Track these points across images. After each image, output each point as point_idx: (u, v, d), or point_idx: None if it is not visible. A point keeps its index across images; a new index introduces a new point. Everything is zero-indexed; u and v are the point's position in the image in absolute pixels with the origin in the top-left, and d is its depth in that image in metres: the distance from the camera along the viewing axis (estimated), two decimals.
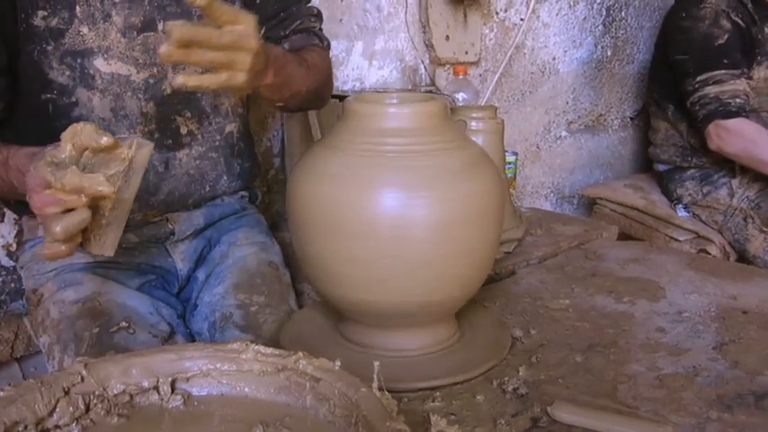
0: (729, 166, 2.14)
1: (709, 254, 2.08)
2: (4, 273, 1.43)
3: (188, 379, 0.75)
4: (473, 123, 1.31)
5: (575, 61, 2.48)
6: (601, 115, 2.65)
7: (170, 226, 1.21)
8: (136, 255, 1.19)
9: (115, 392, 0.72)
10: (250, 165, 1.33)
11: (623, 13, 2.59)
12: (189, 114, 1.19)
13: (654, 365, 0.92)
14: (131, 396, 0.73)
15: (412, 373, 0.88)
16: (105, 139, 0.77)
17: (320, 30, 1.30)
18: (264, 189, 1.75)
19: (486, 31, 2.17)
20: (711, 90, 1.99)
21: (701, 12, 2.04)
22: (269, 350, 0.74)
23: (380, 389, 0.67)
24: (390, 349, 0.92)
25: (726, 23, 2.02)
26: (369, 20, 1.89)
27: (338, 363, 0.71)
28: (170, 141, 1.17)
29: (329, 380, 0.69)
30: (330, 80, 1.30)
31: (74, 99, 1.10)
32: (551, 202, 2.56)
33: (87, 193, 0.75)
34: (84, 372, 0.70)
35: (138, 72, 1.12)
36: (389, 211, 0.83)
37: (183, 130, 1.18)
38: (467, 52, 2.08)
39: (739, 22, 2.03)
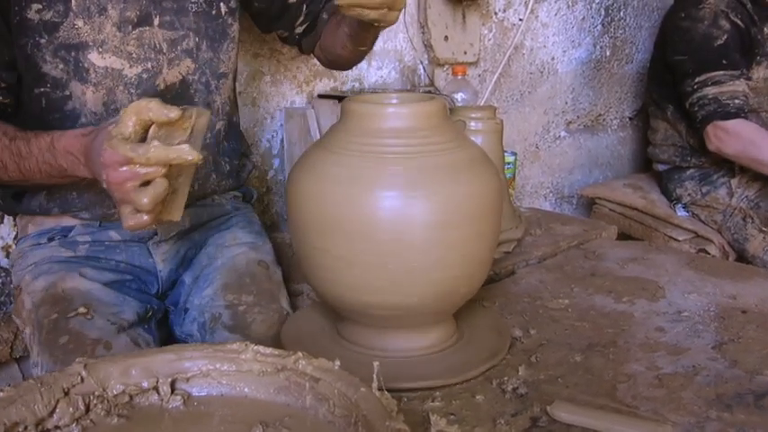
0: (728, 166, 2.14)
1: (709, 253, 2.08)
2: (3, 274, 1.43)
3: (188, 379, 0.75)
4: (472, 123, 1.31)
5: (573, 61, 2.48)
6: (600, 115, 2.65)
7: (153, 226, 1.20)
8: (117, 252, 1.18)
9: (115, 393, 0.72)
10: (239, 163, 1.33)
11: (622, 13, 2.59)
12: None
13: (653, 365, 0.92)
14: (131, 396, 0.73)
15: (411, 373, 0.88)
16: (175, 113, 0.82)
17: None
18: (264, 190, 1.75)
19: (485, 32, 2.17)
20: (710, 91, 1.99)
21: (700, 12, 2.04)
22: (268, 350, 0.74)
23: (380, 389, 0.67)
24: (390, 349, 0.93)
25: (725, 24, 2.02)
26: None
27: (338, 363, 0.71)
28: None
29: (329, 380, 0.69)
30: None
31: (67, 92, 1.10)
32: (550, 202, 2.56)
33: (174, 164, 0.80)
34: (83, 372, 0.71)
35: (131, 66, 1.12)
36: (388, 211, 0.83)
37: None
38: (465, 52, 2.08)
39: (738, 22, 2.03)
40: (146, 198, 0.80)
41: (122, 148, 0.80)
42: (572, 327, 1.04)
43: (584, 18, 2.47)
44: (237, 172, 1.33)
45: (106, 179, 0.83)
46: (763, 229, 2.05)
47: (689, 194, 2.19)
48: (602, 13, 2.52)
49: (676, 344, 0.98)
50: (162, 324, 1.22)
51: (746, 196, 2.11)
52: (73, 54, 1.08)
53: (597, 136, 2.67)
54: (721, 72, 1.99)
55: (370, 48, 1.33)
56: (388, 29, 1.20)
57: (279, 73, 1.73)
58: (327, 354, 0.74)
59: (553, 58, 2.41)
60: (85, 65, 1.09)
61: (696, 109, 2.02)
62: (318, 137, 1.58)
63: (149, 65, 1.14)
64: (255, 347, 0.74)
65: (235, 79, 1.31)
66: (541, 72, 2.39)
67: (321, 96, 1.73)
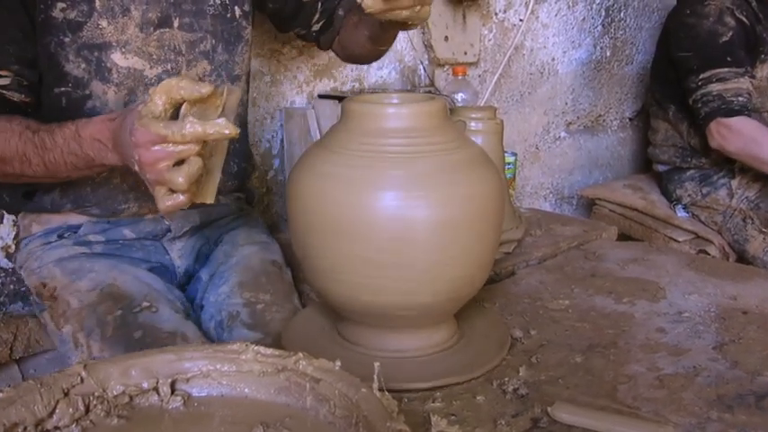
0: (729, 166, 2.14)
1: (709, 254, 2.08)
2: (3, 274, 1.42)
3: (188, 380, 0.75)
4: (472, 124, 1.31)
5: (574, 62, 2.48)
6: (600, 116, 2.65)
7: (166, 223, 1.21)
8: (133, 251, 1.20)
9: (115, 393, 0.72)
10: (246, 165, 1.33)
11: (622, 14, 2.59)
12: None
13: (654, 366, 0.92)
14: (131, 397, 0.73)
15: (412, 374, 0.88)
16: (207, 90, 0.80)
17: None
18: (264, 190, 1.75)
19: (486, 32, 2.17)
20: (714, 88, 1.98)
21: (705, 9, 2.03)
22: (269, 351, 0.74)
23: (381, 389, 0.67)
24: (390, 350, 0.92)
25: (730, 21, 2.01)
26: None
27: (338, 363, 0.71)
28: None
29: (329, 380, 0.69)
30: None
31: (87, 92, 1.10)
32: (550, 203, 2.56)
33: (211, 139, 0.78)
34: (83, 373, 0.70)
35: (151, 67, 1.13)
36: (389, 211, 0.83)
37: None
38: (466, 53, 2.08)
39: (744, 19, 2.02)
40: (181, 177, 0.78)
41: (155, 126, 0.78)
42: (572, 327, 1.04)
43: (584, 19, 2.47)
44: (243, 174, 1.33)
45: (138, 160, 0.82)
46: (764, 230, 2.05)
47: (689, 195, 2.19)
48: (603, 13, 2.52)
49: (677, 345, 0.98)
50: None
51: (747, 197, 2.11)
52: (96, 54, 1.09)
53: (597, 137, 2.66)
54: (726, 69, 1.98)
55: (390, 45, 1.34)
56: None
57: (279, 73, 1.73)
58: (328, 354, 0.74)
59: (553, 59, 2.41)
60: (108, 65, 1.10)
61: (699, 106, 2.01)
62: (318, 137, 1.58)
63: (169, 66, 1.15)
64: (256, 348, 0.74)
65: (248, 81, 1.32)
66: (542, 73, 2.39)
67: (321, 96, 1.73)
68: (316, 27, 1.38)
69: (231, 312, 1.16)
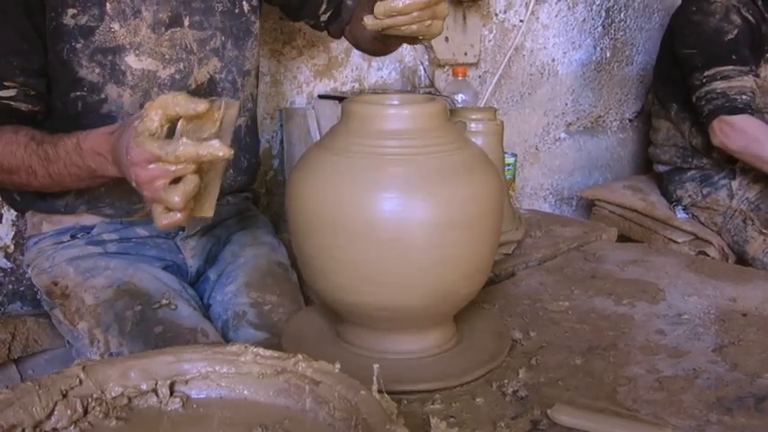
0: (729, 167, 2.13)
1: (708, 255, 2.08)
2: (1, 274, 1.42)
3: (187, 381, 0.74)
4: (472, 125, 1.30)
5: (574, 63, 2.48)
6: (600, 117, 2.65)
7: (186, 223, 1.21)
8: (147, 249, 1.20)
9: (113, 395, 0.72)
10: (256, 161, 1.34)
11: (622, 15, 2.59)
12: None
13: (653, 368, 0.92)
14: (130, 399, 0.72)
15: (411, 376, 0.88)
16: (203, 107, 0.79)
17: None
18: (263, 190, 1.75)
19: (486, 33, 2.17)
20: (719, 85, 1.97)
21: (711, 6, 2.03)
22: (268, 352, 0.74)
23: (380, 391, 0.67)
24: (390, 351, 0.92)
25: (736, 18, 2.01)
26: None
27: (338, 365, 0.70)
28: None
29: (329, 382, 0.69)
30: None
31: (103, 96, 1.11)
32: (550, 204, 2.56)
33: (205, 160, 0.77)
34: (82, 374, 0.70)
35: (164, 68, 1.14)
36: (389, 212, 0.83)
37: None
38: (466, 53, 2.08)
39: (749, 17, 2.02)
40: (177, 196, 0.78)
41: (150, 146, 0.78)
42: (572, 329, 1.04)
43: (584, 20, 2.47)
44: (253, 170, 1.34)
45: (135, 178, 0.82)
46: (764, 231, 2.05)
47: (689, 196, 2.19)
48: (603, 14, 2.52)
49: (677, 347, 0.98)
50: None
51: (747, 198, 2.11)
52: (109, 57, 1.09)
53: (597, 138, 2.66)
54: (731, 67, 1.97)
55: (398, 47, 1.35)
56: None
57: (279, 73, 1.73)
58: (327, 356, 0.74)
59: (553, 60, 2.41)
60: (122, 67, 1.10)
61: (703, 103, 2.00)
62: (318, 137, 1.58)
63: (181, 65, 1.15)
64: (255, 349, 0.74)
65: (257, 77, 1.32)
66: (542, 73, 2.39)
67: (321, 97, 1.73)
68: (324, 17, 1.38)
69: (237, 312, 1.16)
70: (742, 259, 2.09)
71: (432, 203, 0.84)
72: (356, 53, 1.87)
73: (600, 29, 2.52)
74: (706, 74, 1.99)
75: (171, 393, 0.73)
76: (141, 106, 1.11)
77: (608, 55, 2.58)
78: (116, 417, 0.70)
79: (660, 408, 0.82)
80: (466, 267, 0.89)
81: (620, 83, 2.66)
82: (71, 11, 1.06)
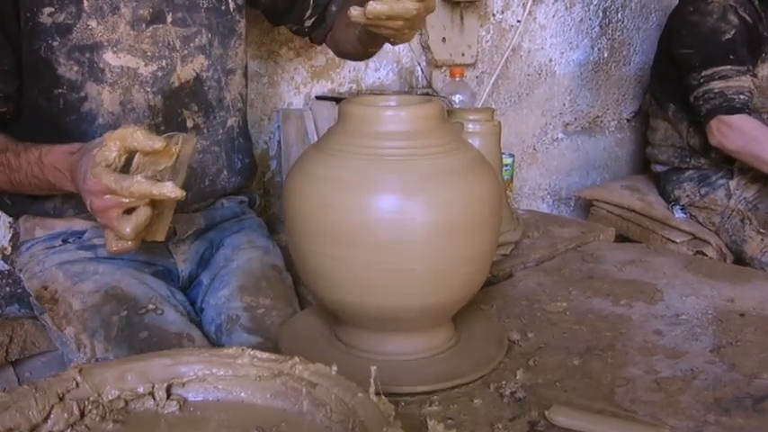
0: (727, 167, 2.14)
1: (706, 255, 2.08)
2: None
3: (184, 384, 0.74)
4: (470, 126, 1.30)
5: (571, 63, 2.48)
6: (597, 117, 2.65)
7: (171, 226, 1.21)
8: (138, 253, 1.19)
9: (110, 398, 0.72)
10: (250, 162, 1.34)
11: (620, 15, 2.59)
12: (195, 108, 1.20)
13: (651, 368, 0.92)
14: (126, 402, 0.72)
15: (409, 378, 0.88)
16: (159, 144, 0.82)
17: None
18: (261, 191, 1.74)
19: (483, 33, 2.17)
20: (716, 85, 1.97)
21: (708, 6, 2.03)
22: (265, 355, 0.74)
23: (377, 393, 0.66)
24: (387, 353, 0.92)
25: (733, 18, 2.01)
26: None
27: (335, 368, 0.70)
28: None
29: (326, 385, 0.69)
30: None
31: (83, 94, 1.10)
32: (548, 204, 2.56)
33: (157, 198, 0.81)
34: (78, 377, 0.70)
35: (146, 65, 1.13)
36: (386, 213, 0.83)
37: (189, 124, 1.19)
38: (463, 54, 2.08)
39: (746, 17, 2.02)
40: (128, 228, 0.82)
41: (106, 179, 0.81)
42: (570, 330, 1.04)
43: (581, 20, 2.47)
44: (248, 171, 1.33)
45: (90, 205, 0.85)
46: (761, 230, 2.05)
47: (687, 196, 2.19)
48: (600, 14, 2.52)
49: (674, 347, 0.98)
50: None
51: (745, 198, 2.11)
52: (87, 55, 1.09)
53: (595, 138, 2.66)
54: (728, 67, 1.97)
55: (379, 49, 1.35)
56: None
57: (276, 74, 1.72)
58: (324, 358, 0.74)
59: (551, 60, 2.41)
60: (101, 65, 1.10)
61: (701, 103, 2.00)
62: (316, 139, 1.58)
63: (164, 62, 1.14)
64: (252, 352, 0.74)
65: (245, 76, 1.32)
66: (539, 74, 2.39)
67: (319, 98, 1.73)
68: (308, 23, 1.38)
69: (231, 316, 1.16)
70: (740, 259, 2.09)
71: (429, 205, 0.84)
72: None
73: (597, 29, 2.52)
74: (704, 74, 1.99)
75: (168, 396, 0.73)
76: (122, 104, 1.12)
77: (605, 55, 2.58)
78: (113, 420, 0.70)
79: (658, 408, 0.82)
80: (464, 268, 0.89)
81: (617, 83, 2.66)
82: (48, 9, 1.06)
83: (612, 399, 0.85)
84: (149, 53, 1.13)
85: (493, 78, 2.19)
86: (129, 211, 0.82)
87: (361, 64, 1.89)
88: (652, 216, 2.23)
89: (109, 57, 1.10)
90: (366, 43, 1.28)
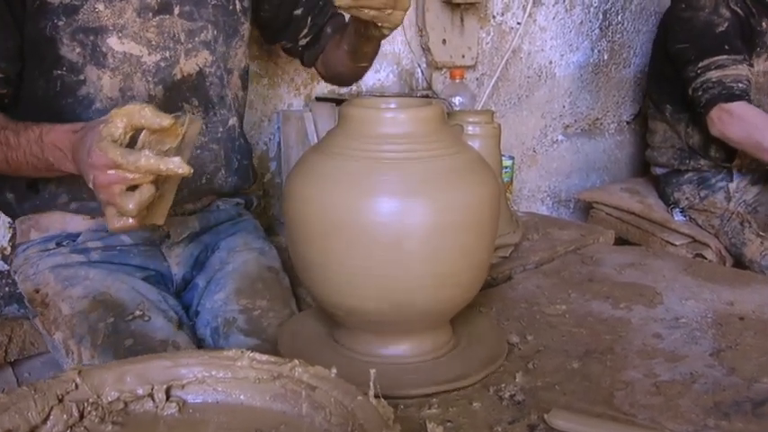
0: (727, 168, 2.14)
1: (705, 258, 2.08)
2: None
3: (183, 386, 0.74)
4: (470, 128, 1.30)
5: (571, 65, 2.48)
6: (597, 119, 2.65)
7: (164, 229, 1.20)
8: (131, 257, 1.19)
9: (109, 400, 0.71)
10: (248, 163, 1.33)
11: (620, 17, 2.59)
12: (196, 102, 1.20)
13: (651, 372, 0.92)
14: (126, 403, 0.72)
15: (408, 381, 0.88)
16: (167, 122, 0.80)
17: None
18: (260, 193, 1.74)
19: (483, 35, 2.17)
20: (714, 74, 1.96)
21: (700, 1, 2.04)
22: (264, 357, 0.74)
23: (377, 396, 0.66)
24: (386, 356, 0.92)
25: (725, 12, 2.01)
26: None
27: (334, 370, 0.70)
28: None
29: (325, 388, 0.69)
30: None
31: (82, 77, 1.10)
32: (547, 206, 2.56)
33: (164, 174, 0.79)
34: (78, 379, 0.70)
35: (149, 54, 1.13)
36: (386, 216, 0.83)
37: None
38: (463, 56, 2.08)
39: (738, 11, 2.02)
40: (131, 204, 0.80)
41: (112, 153, 0.79)
42: (569, 333, 1.04)
43: (581, 22, 2.47)
44: (246, 173, 1.33)
45: (93, 180, 0.83)
46: (761, 233, 2.05)
47: (687, 198, 2.19)
48: (600, 17, 2.52)
49: (674, 351, 0.98)
50: None
51: (744, 200, 2.11)
52: (91, 38, 1.09)
53: (594, 140, 2.67)
54: (724, 56, 1.97)
55: (370, 64, 1.34)
56: None
57: (276, 76, 1.72)
58: (323, 360, 0.74)
59: (551, 62, 2.41)
60: (103, 49, 1.10)
61: (700, 93, 1.98)
62: (316, 140, 1.58)
63: (167, 53, 1.15)
64: (251, 354, 0.74)
65: (242, 78, 1.32)
66: (539, 76, 2.39)
67: (319, 99, 1.73)
68: (303, 42, 1.39)
69: (227, 318, 1.16)
70: (739, 262, 2.09)
71: (429, 207, 0.84)
72: None
73: (597, 31, 2.53)
74: (700, 65, 1.98)
75: (167, 398, 0.73)
76: (121, 90, 1.11)
77: (605, 57, 2.58)
78: (112, 421, 0.70)
79: (657, 412, 0.82)
80: (463, 271, 0.89)
81: (617, 85, 2.67)
82: None
83: (612, 402, 0.85)
84: (154, 42, 1.13)
85: (493, 80, 2.20)
86: (132, 189, 0.81)
87: None
88: (651, 219, 2.23)
89: (113, 42, 1.10)
90: (356, 55, 1.27)
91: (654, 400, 0.85)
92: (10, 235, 1.42)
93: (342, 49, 1.29)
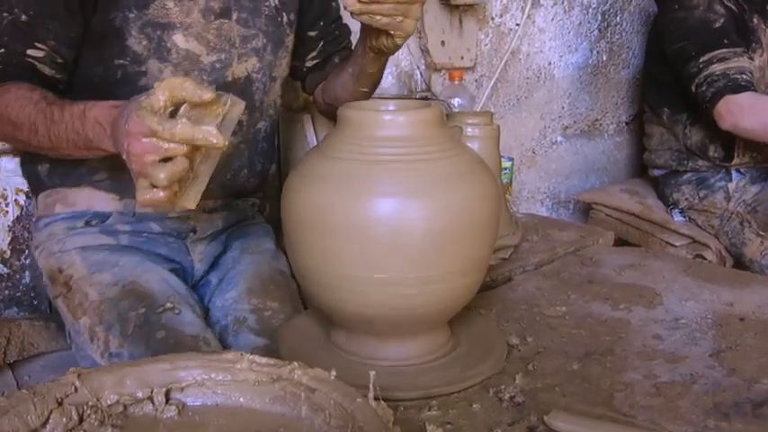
0: (725, 168, 2.13)
1: (705, 259, 2.08)
2: None
3: (182, 389, 0.74)
4: (469, 129, 1.30)
5: (570, 66, 2.48)
6: (596, 120, 2.65)
7: (191, 223, 1.23)
8: (159, 246, 1.21)
9: (109, 403, 0.71)
10: (268, 168, 1.36)
11: (618, 18, 2.59)
12: None
13: (651, 373, 0.92)
14: (125, 406, 0.72)
15: (408, 383, 0.88)
16: (209, 95, 0.79)
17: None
18: (260, 195, 1.74)
19: (482, 37, 2.17)
20: (717, 67, 1.93)
21: (693, 1, 2.04)
22: (263, 360, 0.74)
23: (376, 398, 0.66)
24: (386, 358, 0.92)
25: (719, 8, 2.00)
26: None
27: (333, 373, 0.70)
28: None
29: (324, 390, 0.69)
30: None
31: (143, 69, 1.12)
32: (547, 208, 2.56)
33: (198, 144, 0.78)
34: (77, 382, 0.70)
35: (207, 54, 1.16)
36: (385, 218, 0.83)
37: None
38: (462, 57, 2.08)
39: (732, 7, 2.02)
40: (163, 173, 0.78)
41: (149, 120, 0.78)
42: (569, 334, 1.04)
43: (580, 23, 2.47)
44: (264, 175, 1.35)
45: (127, 148, 0.82)
46: (761, 233, 2.04)
47: (686, 199, 2.18)
48: (599, 18, 2.52)
49: (674, 352, 0.98)
50: None
51: (744, 200, 2.10)
52: (158, 33, 1.11)
53: (594, 141, 2.67)
54: (725, 50, 1.94)
55: (370, 92, 1.34)
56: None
57: None
58: (323, 362, 0.74)
59: (550, 63, 2.41)
60: (168, 44, 1.12)
61: (705, 88, 1.94)
62: (316, 142, 1.58)
63: (223, 56, 1.17)
64: (251, 357, 0.74)
65: (284, 87, 1.34)
66: (538, 77, 2.39)
67: None
68: (309, 63, 1.40)
69: (238, 317, 1.17)
70: (739, 262, 2.09)
71: (429, 209, 0.84)
72: None
73: (596, 32, 2.53)
74: (702, 60, 1.95)
75: (167, 401, 0.73)
76: None
77: (604, 58, 2.58)
78: (111, 424, 0.70)
79: (657, 414, 0.82)
80: (462, 273, 0.89)
81: (616, 86, 2.67)
82: None
83: (611, 404, 0.85)
84: (212, 44, 1.16)
85: (492, 82, 2.20)
86: (165, 161, 0.80)
87: None
88: (651, 219, 2.23)
89: (178, 38, 1.12)
90: (360, 77, 1.27)
91: (654, 402, 0.85)
92: (9, 238, 1.42)
93: (346, 71, 1.30)
